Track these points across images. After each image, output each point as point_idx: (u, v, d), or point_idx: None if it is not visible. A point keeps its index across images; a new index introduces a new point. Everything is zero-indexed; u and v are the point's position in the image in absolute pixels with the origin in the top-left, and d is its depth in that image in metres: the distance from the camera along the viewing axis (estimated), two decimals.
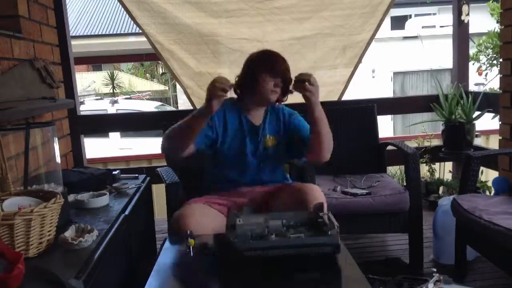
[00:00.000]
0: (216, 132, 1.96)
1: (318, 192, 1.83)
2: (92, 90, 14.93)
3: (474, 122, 3.19)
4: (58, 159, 1.86)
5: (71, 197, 1.94)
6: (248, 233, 1.38)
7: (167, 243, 1.60)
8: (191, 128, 1.80)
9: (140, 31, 3.10)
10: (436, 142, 3.61)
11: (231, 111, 2.00)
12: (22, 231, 1.33)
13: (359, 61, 3.32)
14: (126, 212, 1.90)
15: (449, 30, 3.60)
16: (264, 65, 1.93)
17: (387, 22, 3.01)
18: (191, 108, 3.36)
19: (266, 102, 2.00)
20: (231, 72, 3.25)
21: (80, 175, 2.24)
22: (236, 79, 2.00)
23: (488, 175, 3.31)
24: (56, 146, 1.86)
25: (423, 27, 10.24)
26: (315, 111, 1.77)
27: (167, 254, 1.51)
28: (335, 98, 3.33)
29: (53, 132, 1.86)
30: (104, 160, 4.39)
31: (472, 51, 4.77)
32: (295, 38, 3.20)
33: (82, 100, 8.92)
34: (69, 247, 1.44)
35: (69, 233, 1.51)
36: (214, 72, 3.19)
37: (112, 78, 14.85)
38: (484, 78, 5.32)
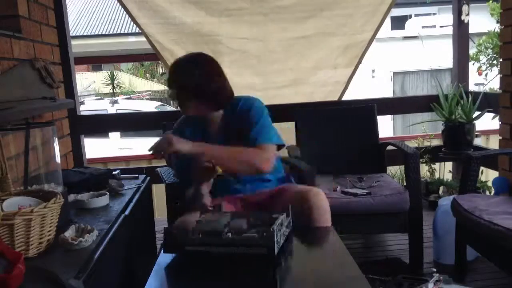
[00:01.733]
0: None
1: (323, 201, 1.72)
2: (92, 90, 14.92)
3: (474, 122, 3.19)
4: (58, 159, 1.85)
5: (71, 197, 1.94)
6: (193, 227, 1.42)
7: None
8: None
9: (140, 31, 3.10)
10: (436, 142, 3.60)
11: (191, 126, 1.94)
12: (22, 231, 1.33)
13: (360, 61, 3.31)
14: (126, 212, 1.89)
15: (449, 30, 3.60)
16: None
17: (387, 22, 3.02)
18: None
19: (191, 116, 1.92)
20: (231, 73, 3.27)
21: (80, 175, 2.24)
22: None
23: (488, 175, 3.31)
24: (56, 146, 1.85)
25: (423, 27, 10.24)
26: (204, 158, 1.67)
27: (167, 254, 1.51)
28: (335, 98, 3.28)
29: (53, 132, 1.86)
30: (104, 160, 4.39)
31: (472, 51, 4.77)
32: (297, 37, 3.17)
33: (82, 100, 8.92)
34: (69, 247, 1.44)
35: (69, 233, 1.51)
36: None
37: (112, 78, 14.84)
38: (484, 78, 5.33)
